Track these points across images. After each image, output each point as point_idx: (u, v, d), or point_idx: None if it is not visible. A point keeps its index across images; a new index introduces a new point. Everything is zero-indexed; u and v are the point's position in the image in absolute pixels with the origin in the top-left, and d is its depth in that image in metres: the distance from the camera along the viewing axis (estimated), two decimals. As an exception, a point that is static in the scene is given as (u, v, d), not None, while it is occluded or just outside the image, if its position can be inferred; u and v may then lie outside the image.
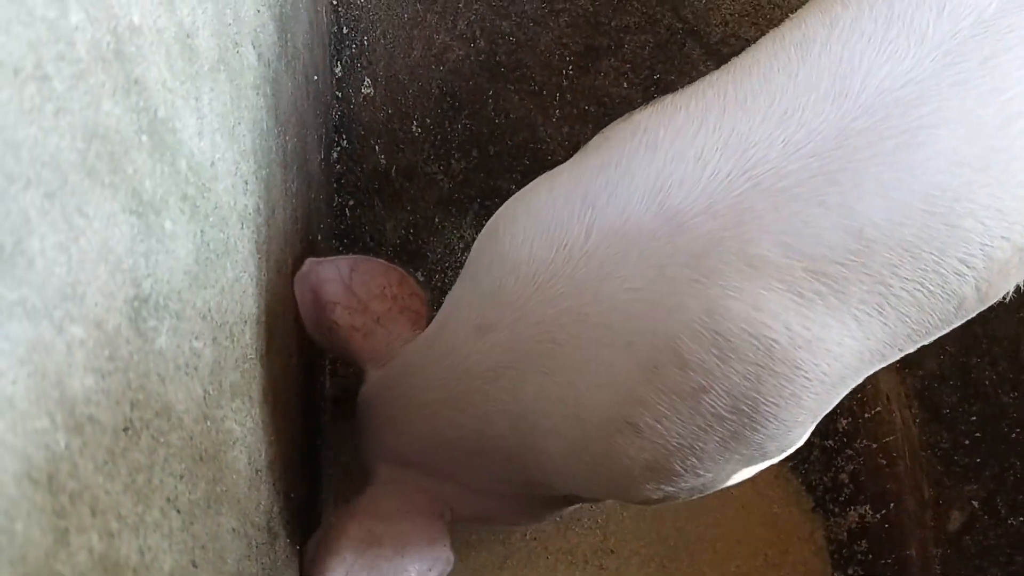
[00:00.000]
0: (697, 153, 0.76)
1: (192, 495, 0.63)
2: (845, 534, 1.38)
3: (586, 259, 0.78)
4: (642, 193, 0.77)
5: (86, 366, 0.46)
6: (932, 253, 0.75)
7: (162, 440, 0.57)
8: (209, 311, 0.69)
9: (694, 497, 0.87)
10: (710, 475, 0.83)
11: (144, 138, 0.56)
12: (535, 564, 1.41)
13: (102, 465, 0.48)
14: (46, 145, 0.42)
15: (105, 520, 0.47)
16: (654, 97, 1.61)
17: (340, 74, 1.59)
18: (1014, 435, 1.43)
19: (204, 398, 0.67)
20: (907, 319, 0.78)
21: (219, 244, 0.73)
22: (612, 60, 1.61)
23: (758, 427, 0.78)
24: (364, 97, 1.59)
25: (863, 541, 1.38)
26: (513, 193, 1.57)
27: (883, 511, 1.39)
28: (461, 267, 1.57)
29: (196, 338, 0.66)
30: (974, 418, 1.43)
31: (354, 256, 1.10)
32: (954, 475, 1.43)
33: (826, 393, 0.80)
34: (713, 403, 0.76)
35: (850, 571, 1.38)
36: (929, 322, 0.80)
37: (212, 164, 0.72)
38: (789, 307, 0.73)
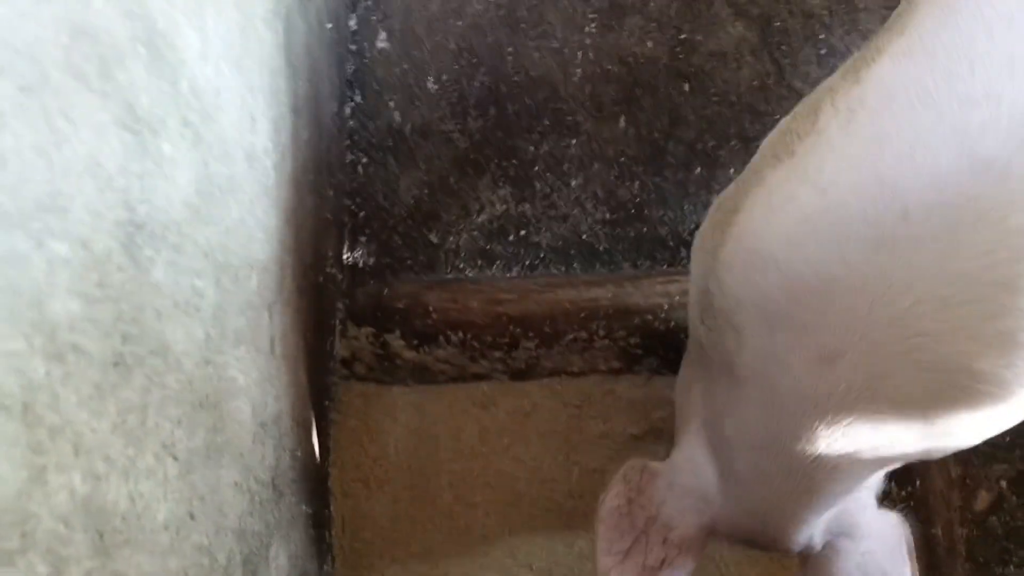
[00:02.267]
0: (984, 89, 0.68)
1: (190, 443, 0.58)
2: (870, 511, 1.34)
3: (916, 244, 0.69)
4: (947, 152, 0.68)
5: (70, 289, 0.42)
6: None
7: (157, 380, 0.52)
8: (212, 250, 0.64)
9: None
10: None
11: (141, 48, 0.51)
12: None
13: (87, 400, 0.43)
14: (21, 32, 0.37)
15: (90, 460, 0.43)
16: (679, 58, 1.55)
17: (355, 27, 1.53)
18: (1047, 414, 1.38)
19: (206, 341, 0.62)
20: None
21: (223, 179, 0.68)
22: (637, 18, 1.55)
23: None
24: (379, 51, 1.53)
25: (891, 519, 1.33)
26: (533, 154, 1.53)
27: (909, 488, 1.34)
28: (478, 229, 1.54)
29: (198, 276, 0.61)
30: (1005, 395, 1.38)
31: (597, 554, 0.95)
32: (982, 455, 1.38)
33: None
34: None
35: (873, 549, 1.33)
36: None
37: (217, 92, 0.67)
38: None
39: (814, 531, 0.89)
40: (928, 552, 1.32)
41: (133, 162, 0.49)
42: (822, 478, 0.82)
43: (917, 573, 0.94)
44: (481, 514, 1.36)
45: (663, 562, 0.91)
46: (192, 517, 0.57)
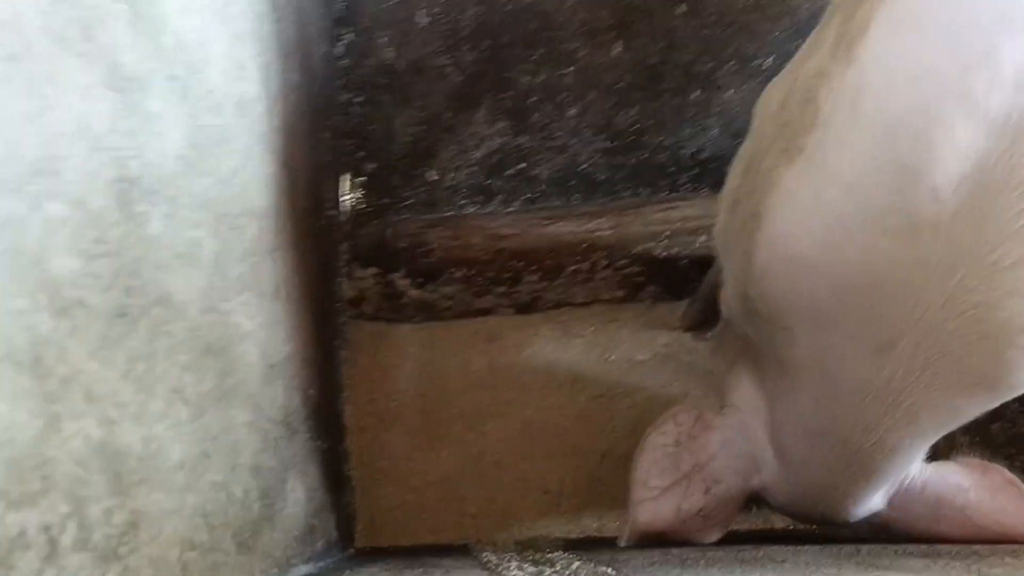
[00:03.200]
0: (983, 51, 0.66)
1: (200, 387, 0.61)
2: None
3: (951, 221, 0.68)
4: (960, 122, 0.66)
5: (70, 247, 0.44)
6: None
7: (163, 329, 0.55)
8: (208, 200, 0.66)
9: None
10: None
11: (122, 6, 0.52)
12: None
13: (96, 351, 0.45)
14: (1, 4, 0.39)
15: (102, 407, 0.46)
16: (674, -21, 1.53)
17: (342, -37, 1.51)
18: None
19: (208, 288, 0.64)
20: None
21: (215, 131, 0.69)
22: (629, -61, 1.52)
23: None
24: (368, -13, 1.51)
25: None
26: (528, 85, 1.52)
27: (909, 400, 1.37)
28: (474, 165, 1.54)
29: (196, 227, 0.63)
30: (1005, 306, 1.39)
31: (633, 478, 0.97)
32: (983, 364, 1.40)
33: None
34: None
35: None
36: None
37: (202, 44, 0.68)
38: None
39: (872, 505, 0.91)
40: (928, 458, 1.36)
41: (122, 121, 0.51)
42: (881, 459, 0.84)
43: None
44: (493, 441, 1.41)
45: (700, 511, 0.93)
46: (207, 456, 0.61)
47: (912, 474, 0.92)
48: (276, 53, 0.94)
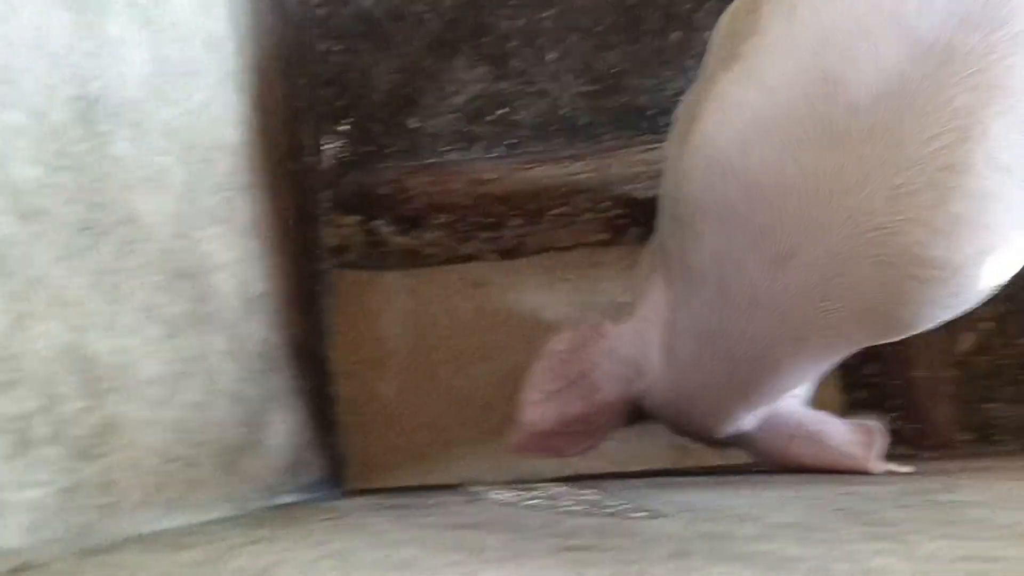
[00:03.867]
0: None
1: (172, 308, 0.62)
2: (856, 359, 1.38)
3: (866, 138, 0.69)
4: (887, 40, 0.67)
5: (30, 156, 0.45)
6: None
7: (130, 248, 0.56)
8: (175, 130, 0.67)
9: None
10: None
11: (75, -72, 0.52)
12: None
13: (61, 259, 0.47)
14: (-53, -94, 0.39)
15: (69, 313, 0.47)
16: (652, -82, 1.52)
17: (317, -89, 1.50)
18: (1025, 254, 1.41)
19: (178, 215, 0.65)
20: None
21: (181, 62, 0.70)
22: None
23: None
24: (343, -65, 1.50)
25: (873, 365, 1.38)
26: (507, 29, 1.52)
27: (889, 333, 1.38)
28: (455, 112, 1.54)
29: (162, 154, 0.64)
30: (984, 238, 1.41)
31: (523, 386, 1.00)
32: (963, 296, 1.42)
33: None
34: None
35: (858, 394, 1.39)
36: None
37: (165, -25, 0.68)
38: None
39: (742, 424, 0.92)
40: (910, 394, 1.38)
41: (81, 41, 0.52)
42: (762, 375, 0.84)
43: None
44: (481, 384, 1.43)
45: (579, 417, 0.94)
46: (183, 375, 0.62)
47: (788, 406, 0.93)
48: (246, -7, 0.94)
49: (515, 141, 1.50)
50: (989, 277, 0.76)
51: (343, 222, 1.43)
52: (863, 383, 1.39)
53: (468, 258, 1.50)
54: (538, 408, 0.95)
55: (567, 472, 1.40)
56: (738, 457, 1.23)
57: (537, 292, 1.47)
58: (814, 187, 0.70)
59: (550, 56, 1.51)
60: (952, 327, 1.41)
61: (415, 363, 1.43)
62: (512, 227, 1.45)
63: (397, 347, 1.43)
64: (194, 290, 0.67)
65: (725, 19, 0.82)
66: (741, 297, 0.80)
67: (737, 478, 0.99)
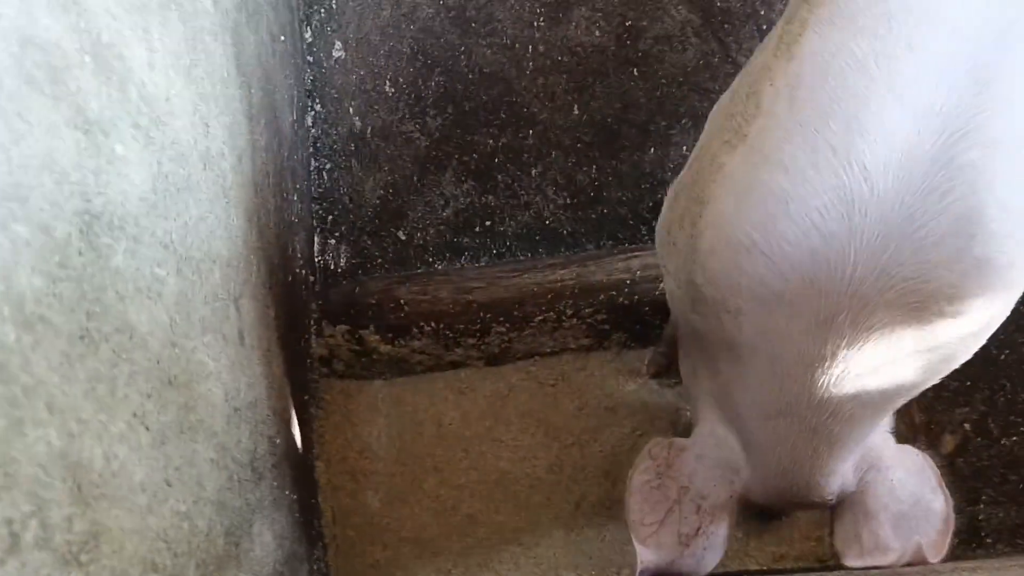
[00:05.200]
0: (907, 43, 0.73)
1: (162, 416, 0.63)
2: (836, 462, 1.39)
3: (880, 201, 0.74)
4: (887, 109, 0.73)
5: (34, 267, 0.47)
6: None
7: (124, 356, 0.58)
8: (171, 242, 0.70)
9: None
10: None
11: (87, 58, 0.56)
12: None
13: (57, 366, 0.48)
14: (-27, 41, 0.43)
15: (64, 419, 0.48)
16: (626, 44, 1.61)
17: (310, 39, 1.59)
18: (1003, 357, 1.43)
19: (171, 325, 0.67)
20: None
21: (179, 179, 0.73)
22: (583, 9, 1.61)
23: None
24: (336, 60, 1.59)
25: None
26: (492, 148, 1.58)
27: (872, 436, 1.39)
28: (444, 224, 1.59)
29: (158, 265, 0.66)
30: (960, 342, 1.44)
31: (630, 527, 0.99)
32: (944, 400, 1.43)
33: None
34: None
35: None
36: None
37: (167, 99, 0.72)
38: None
39: (844, 479, 0.94)
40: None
41: (87, 159, 0.55)
42: (839, 429, 0.88)
43: (947, 493, 0.99)
44: (467, 495, 1.42)
45: (698, 530, 0.96)
46: (168, 484, 0.63)
47: (879, 452, 0.95)
48: (242, 115, 0.99)
49: (500, 251, 1.55)
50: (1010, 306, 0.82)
51: (331, 332, 1.45)
52: (850, 487, 1.39)
53: (454, 365, 1.51)
54: (654, 540, 0.96)
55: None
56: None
57: (523, 398, 1.47)
58: (840, 251, 0.75)
59: (534, 171, 1.57)
60: (934, 430, 1.43)
61: (401, 473, 1.42)
62: (497, 333, 1.47)
63: (383, 457, 1.43)
64: (183, 398, 0.68)
65: (724, 100, 0.87)
66: (794, 365, 0.83)
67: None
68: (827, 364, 0.82)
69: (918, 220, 0.74)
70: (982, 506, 1.38)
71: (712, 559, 0.97)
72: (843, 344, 0.81)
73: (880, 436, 0.97)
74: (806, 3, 0.80)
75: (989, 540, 1.37)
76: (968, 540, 1.37)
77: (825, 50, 0.76)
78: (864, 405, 0.87)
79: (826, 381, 0.83)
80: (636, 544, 0.96)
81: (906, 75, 0.72)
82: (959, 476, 1.41)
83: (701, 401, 1.01)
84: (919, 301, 0.78)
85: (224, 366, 0.81)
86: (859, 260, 0.76)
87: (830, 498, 0.95)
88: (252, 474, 0.87)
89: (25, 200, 0.47)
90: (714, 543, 0.96)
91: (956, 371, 1.44)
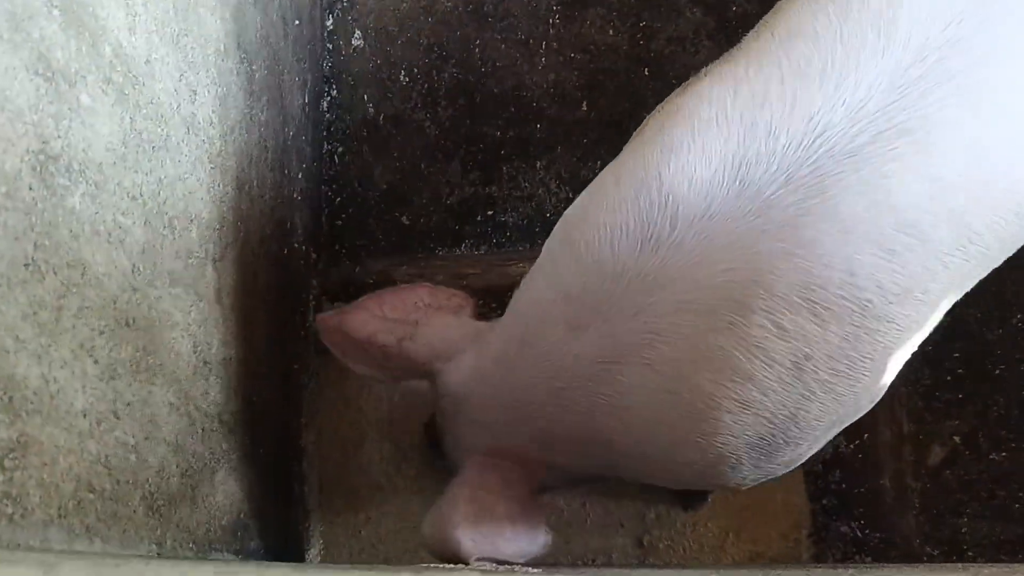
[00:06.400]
0: (767, 126, 0.75)
1: (114, 353, 0.68)
2: (820, 465, 1.39)
3: (676, 249, 0.77)
4: (722, 174, 0.76)
5: (-23, 194, 0.51)
6: (1008, 188, 0.74)
7: (74, 290, 0.62)
8: (140, 195, 0.74)
9: (780, 474, 0.90)
10: (806, 444, 0.86)
11: (55, 12, 0.61)
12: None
13: (-5, 286, 0.53)
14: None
15: (-3, 335, 0.52)
16: (639, 44, 1.64)
17: (331, 27, 1.64)
18: (998, 372, 1.42)
19: (132, 271, 0.72)
20: (987, 252, 0.78)
21: (155, 137, 0.78)
22: (598, 8, 1.63)
23: (856, 384, 0.80)
24: (354, 48, 1.64)
25: (837, 471, 1.38)
26: (499, 140, 1.62)
27: (857, 441, 1.39)
28: (447, 211, 1.63)
29: (122, 214, 0.71)
30: (957, 355, 1.43)
31: (374, 293, 1.11)
32: (936, 411, 1.42)
33: (916, 337, 0.82)
34: (815, 368, 0.78)
35: (825, 501, 1.38)
36: (1006, 248, 0.80)
37: (147, 62, 0.77)
38: (880, 265, 0.74)
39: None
40: (876, 502, 1.37)
41: (47, 104, 0.59)
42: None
43: None
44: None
45: (384, 347, 1.02)
46: (116, 416, 0.67)
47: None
48: (239, 88, 1.04)
49: (501, 241, 1.58)
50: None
51: (327, 307, 1.50)
52: (829, 490, 1.39)
53: (449, 350, 1.54)
54: (366, 316, 1.04)
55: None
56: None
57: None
58: (618, 273, 0.79)
59: (539, 164, 1.60)
60: (923, 440, 1.42)
61: (389, 451, 1.46)
62: (491, 319, 1.50)
63: (373, 434, 1.46)
64: (142, 341, 0.72)
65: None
66: (538, 347, 0.88)
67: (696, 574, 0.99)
68: (557, 366, 0.87)
69: (692, 282, 0.77)
70: (966, 519, 1.37)
71: (357, 366, 1.06)
72: (579, 358, 0.85)
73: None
74: (725, 58, 0.85)
75: (971, 554, 1.35)
76: (949, 553, 1.35)
77: (707, 97, 0.80)
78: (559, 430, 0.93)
79: (549, 378, 0.89)
80: (358, 303, 1.07)
81: (754, 151, 0.75)
82: (945, 488, 1.40)
83: (471, 439, 1.04)
84: (654, 361, 0.81)
85: (195, 320, 0.86)
86: (627, 290, 0.80)
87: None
88: (220, 426, 0.91)
89: (-28, 131, 0.51)
90: (378, 368, 1.05)
91: (950, 384, 1.44)
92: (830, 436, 0.88)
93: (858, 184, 0.73)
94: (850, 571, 0.93)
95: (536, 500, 1.00)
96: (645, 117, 1.60)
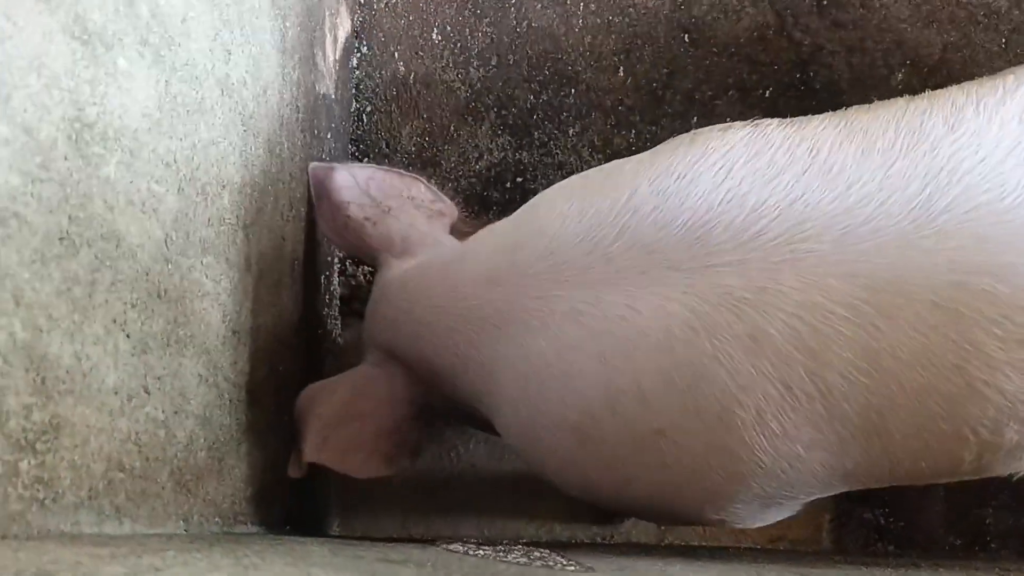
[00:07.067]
0: (757, 203, 0.73)
1: (147, 327, 0.66)
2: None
3: (606, 261, 0.77)
4: (687, 220, 0.74)
5: (11, 165, 0.49)
6: (940, 405, 0.69)
7: (108, 264, 0.60)
8: (175, 161, 0.72)
9: None
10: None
11: (92, -30, 0.58)
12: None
13: (29, 263, 0.50)
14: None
15: (31, 313, 0.50)
16: (680, 8, 1.58)
17: (363, -20, 1.59)
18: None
19: (165, 241, 0.69)
20: (895, 457, 0.73)
21: (190, 100, 0.75)
22: (639, -30, 1.58)
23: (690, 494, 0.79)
24: (386, 4, 1.59)
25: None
26: (532, 105, 1.57)
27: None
28: (476, 176, 1.59)
29: (156, 182, 0.68)
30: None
31: (374, 165, 1.15)
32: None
33: (780, 489, 0.77)
34: (668, 449, 0.76)
35: (849, 488, 1.36)
36: (920, 473, 0.76)
37: (183, 20, 0.74)
38: (772, 396, 0.71)
39: None
40: (900, 490, 1.35)
41: (83, 69, 0.56)
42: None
43: None
44: (471, 442, 1.43)
45: (366, 219, 1.08)
46: (147, 391, 0.65)
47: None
48: (272, 48, 1.00)
49: (530, 209, 1.55)
50: None
51: (353, 271, 1.48)
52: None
53: (473, 317, 1.52)
54: (346, 185, 1.11)
55: (545, 539, 1.39)
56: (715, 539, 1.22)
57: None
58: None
59: (571, 131, 1.56)
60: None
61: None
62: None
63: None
64: (173, 313, 0.70)
65: None
66: (456, 294, 0.92)
67: (705, 555, 0.98)
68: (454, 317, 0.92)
69: (686, 268, 0.76)
70: (991, 510, 1.35)
71: (338, 237, 1.12)
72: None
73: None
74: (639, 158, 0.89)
75: (993, 545, 1.34)
76: (972, 543, 1.34)
77: (864, 128, 0.76)
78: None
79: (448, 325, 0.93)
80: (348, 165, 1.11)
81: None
82: (969, 480, 1.38)
83: (375, 334, 1.07)
84: None
85: (225, 289, 0.84)
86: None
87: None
88: (247, 396, 0.90)
89: (7, 99, 0.48)
90: (351, 237, 1.10)
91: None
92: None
93: (796, 308, 0.72)
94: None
95: (416, 422, 1.03)
96: (683, 85, 1.56)
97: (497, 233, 0.95)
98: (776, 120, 0.80)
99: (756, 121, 0.81)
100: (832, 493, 0.81)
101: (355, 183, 1.09)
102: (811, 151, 0.74)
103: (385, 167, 1.15)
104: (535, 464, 0.91)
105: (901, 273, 0.67)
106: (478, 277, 0.88)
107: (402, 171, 1.16)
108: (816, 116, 0.79)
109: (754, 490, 0.77)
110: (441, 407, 1.05)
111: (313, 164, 1.11)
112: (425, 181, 1.17)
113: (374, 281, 1.10)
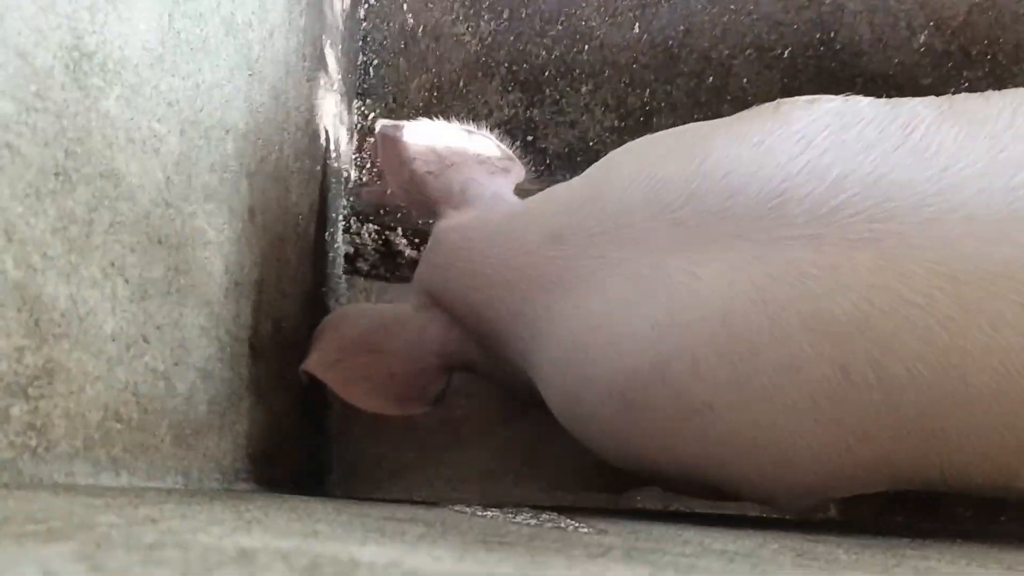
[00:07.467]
0: (839, 177, 0.68)
1: (146, 272, 0.63)
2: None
3: (671, 225, 0.74)
4: (761, 189, 0.70)
5: (4, 91, 0.46)
6: (1006, 413, 0.66)
7: (107, 204, 0.57)
8: (177, 100, 0.68)
9: None
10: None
11: None
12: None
13: (22, 197, 0.47)
14: None
15: (24, 251, 0.47)
16: (705, -34, 1.53)
17: (372, -73, 1.54)
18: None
19: (166, 183, 0.66)
20: (947, 460, 0.70)
21: (194, 38, 0.71)
22: (657, -77, 1.52)
23: None
24: (395, -48, 1.54)
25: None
26: (544, 61, 1.53)
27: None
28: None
29: (158, 121, 0.65)
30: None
31: (443, 123, 1.15)
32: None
33: (824, 479, 0.75)
34: (715, 423, 0.74)
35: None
36: (969, 481, 0.72)
37: (186, -47, 0.70)
38: (828, 379, 0.68)
39: None
40: (929, 497, 1.33)
41: (80, -6, 0.53)
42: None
43: None
44: (477, 406, 1.41)
45: (429, 173, 1.09)
46: (146, 340, 0.62)
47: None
48: (278, -11, 0.96)
49: (540, 168, 1.51)
50: None
51: (358, 229, 1.44)
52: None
53: (479, 278, 1.49)
54: (421, 140, 1.12)
55: (550, 504, 1.38)
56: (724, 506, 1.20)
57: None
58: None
59: (584, 88, 1.51)
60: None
61: (413, 378, 1.42)
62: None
63: (398, 360, 1.42)
64: (174, 260, 0.67)
65: None
66: (515, 250, 0.91)
67: (715, 521, 0.96)
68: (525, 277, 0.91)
69: (755, 240, 0.73)
70: (1003, 519, 1.33)
71: (401, 196, 1.15)
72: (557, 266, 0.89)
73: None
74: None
75: (1003, 519, 1.32)
76: (981, 516, 1.32)
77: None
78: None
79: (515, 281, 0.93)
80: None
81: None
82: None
83: (424, 280, 1.07)
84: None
85: (228, 238, 0.80)
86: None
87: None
88: (250, 351, 0.87)
89: (0, 19, 0.45)
90: (415, 198, 1.11)
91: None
92: None
93: (842, 305, 0.71)
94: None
95: (437, 376, 1.05)
96: (700, 44, 1.52)
97: (563, 192, 0.93)
98: (869, 98, 0.76)
99: (848, 95, 0.76)
100: (875, 490, 0.78)
101: (422, 140, 1.10)
102: (906, 128, 0.69)
103: (455, 124, 1.16)
104: (575, 427, 0.90)
105: (989, 267, 0.62)
106: (542, 234, 0.86)
107: (472, 128, 1.16)
108: (914, 98, 0.75)
109: (798, 475, 0.74)
110: (481, 364, 1.04)
111: (381, 121, 1.13)
112: (495, 139, 1.17)
113: (431, 231, 1.08)
